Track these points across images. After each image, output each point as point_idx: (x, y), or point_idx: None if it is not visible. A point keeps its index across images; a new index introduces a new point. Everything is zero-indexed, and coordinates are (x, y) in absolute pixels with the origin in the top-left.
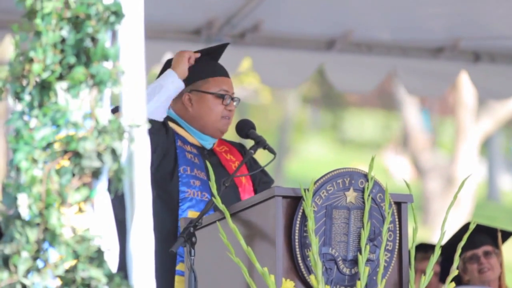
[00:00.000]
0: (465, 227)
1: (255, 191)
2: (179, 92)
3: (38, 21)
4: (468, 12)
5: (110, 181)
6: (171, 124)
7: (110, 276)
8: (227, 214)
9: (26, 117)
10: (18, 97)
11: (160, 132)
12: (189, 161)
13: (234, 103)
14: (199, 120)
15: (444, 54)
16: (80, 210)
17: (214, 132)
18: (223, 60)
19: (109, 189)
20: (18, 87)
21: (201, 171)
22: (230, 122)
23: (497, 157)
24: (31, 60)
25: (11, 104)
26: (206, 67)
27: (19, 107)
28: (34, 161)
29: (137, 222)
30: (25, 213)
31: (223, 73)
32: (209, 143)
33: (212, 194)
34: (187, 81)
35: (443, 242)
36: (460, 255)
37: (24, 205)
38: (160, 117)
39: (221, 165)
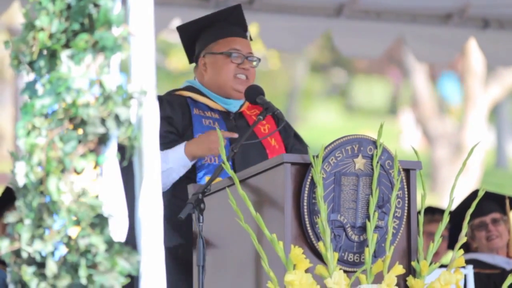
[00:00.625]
0: (474, 194)
1: None
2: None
3: None
4: None
5: (122, 148)
6: (190, 94)
7: (109, 243)
8: (236, 181)
9: (37, 86)
10: (30, 66)
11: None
12: (206, 128)
13: (254, 63)
14: (214, 82)
15: (453, 21)
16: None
17: (230, 92)
18: None
19: (122, 156)
20: (29, 57)
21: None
22: (248, 82)
23: (505, 125)
24: (38, 29)
25: (24, 74)
26: (218, 29)
27: (31, 76)
28: (36, 128)
29: (145, 189)
30: (21, 181)
31: (234, 33)
32: (234, 106)
33: (233, 165)
34: (202, 46)
35: (452, 208)
36: (468, 222)
37: (21, 173)
38: (164, 188)
39: (251, 131)
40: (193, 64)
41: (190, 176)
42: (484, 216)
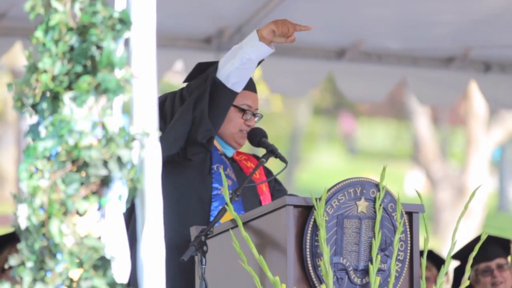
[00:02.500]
0: (478, 238)
1: (272, 200)
2: (263, 57)
3: (38, 34)
4: (477, 21)
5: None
6: None
7: (112, 285)
8: (240, 223)
9: (40, 128)
10: (33, 108)
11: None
12: (222, 160)
13: (256, 119)
14: (220, 128)
15: (454, 64)
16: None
17: (231, 143)
18: None
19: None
20: (31, 99)
21: (232, 171)
22: (246, 135)
23: (508, 168)
24: (41, 71)
25: (27, 116)
26: None
27: (34, 118)
28: (38, 171)
29: (148, 231)
30: (23, 224)
31: (250, 87)
32: (230, 151)
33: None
34: None
35: (455, 251)
36: (472, 266)
37: (23, 215)
38: (236, 85)
39: (243, 172)
40: None
41: (203, 207)
42: (490, 261)
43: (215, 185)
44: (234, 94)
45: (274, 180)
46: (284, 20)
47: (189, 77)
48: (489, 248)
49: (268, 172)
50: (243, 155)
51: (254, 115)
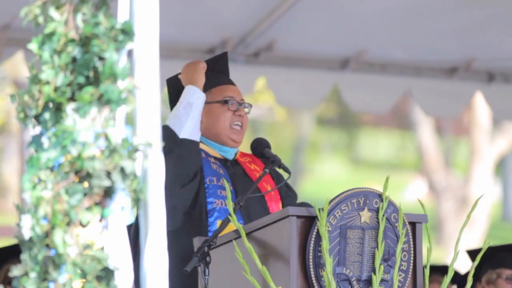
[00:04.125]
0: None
1: (282, 204)
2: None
3: (32, 46)
4: (481, 32)
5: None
6: None
7: None
8: (243, 233)
9: (43, 139)
10: (36, 119)
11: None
12: (215, 171)
13: (246, 109)
14: (211, 130)
15: (458, 74)
16: (93, 228)
17: (226, 141)
18: (237, 79)
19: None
20: (34, 110)
21: (226, 181)
22: (242, 131)
23: None
24: (44, 82)
25: (30, 127)
26: (208, 79)
27: (37, 129)
28: (41, 181)
29: (151, 241)
30: (27, 234)
31: (225, 81)
32: (230, 153)
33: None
34: None
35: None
36: (495, 269)
37: (27, 226)
38: (197, 137)
39: (246, 175)
40: None
41: (201, 221)
42: None
43: (209, 199)
44: (197, 143)
45: (284, 185)
46: (197, 66)
47: (170, 100)
48: None
49: (277, 177)
50: (248, 156)
51: (241, 105)
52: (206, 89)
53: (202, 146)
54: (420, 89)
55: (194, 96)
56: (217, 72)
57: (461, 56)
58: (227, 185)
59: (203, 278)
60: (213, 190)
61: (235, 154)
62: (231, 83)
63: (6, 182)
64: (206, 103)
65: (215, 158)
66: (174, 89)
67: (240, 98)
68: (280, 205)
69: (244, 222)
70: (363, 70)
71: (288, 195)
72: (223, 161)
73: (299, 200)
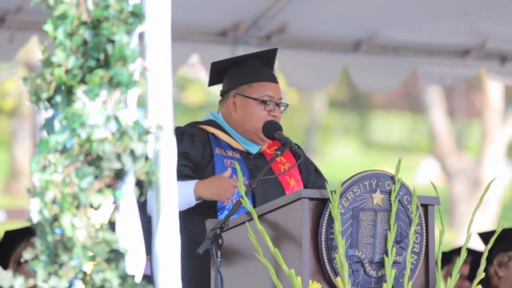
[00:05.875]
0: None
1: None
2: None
3: (48, 27)
4: (494, 14)
5: (140, 183)
6: (213, 130)
7: (123, 278)
8: (255, 216)
9: (55, 122)
10: (48, 102)
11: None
12: (227, 168)
13: (281, 109)
14: (241, 125)
15: (471, 56)
16: (104, 211)
17: (255, 139)
18: None
19: (140, 191)
20: (46, 93)
21: (243, 176)
22: None
23: None
24: (56, 65)
25: (43, 110)
26: (252, 71)
27: (49, 112)
28: (51, 164)
29: (163, 224)
30: (35, 218)
31: (269, 78)
32: (254, 148)
33: (253, 201)
34: (234, 84)
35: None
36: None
37: (36, 210)
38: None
39: (269, 168)
40: (212, 98)
41: (211, 217)
42: None
43: None
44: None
45: (314, 172)
46: (223, 183)
47: (211, 80)
48: None
49: (310, 164)
50: (277, 146)
51: (277, 105)
52: (246, 81)
53: (225, 136)
54: (431, 71)
55: (182, 199)
56: (261, 66)
57: (474, 38)
58: (240, 177)
59: (215, 260)
60: None
61: (260, 148)
62: (273, 80)
63: (18, 165)
64: (244, 96)
65: (236, 150)
66: (216, 71)
67: (278, 97)
68: None
69: (255, 207)
70: (374, 53)
71: (317, 185)
72: (245, 154)
73: None
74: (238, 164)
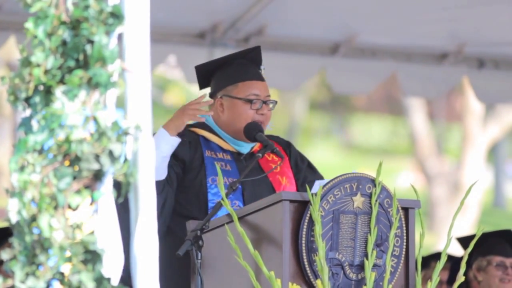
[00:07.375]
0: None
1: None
2: (175, 147)
3: (29, 24)
4: (471, 18)
5: (118, 184)
6: (203, 133)
7: (99, 280)
8: (235, 217)
9: (32, 122)
10: (26, 102)
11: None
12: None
13: (270, 105)
14: (230, 126)
15: (448, 60)
16: (82, 212)
17: (244, 139)
18: None
19: (118, 192)
20: (25, 93)
21: (233, 178)
22: (263, 127)
23: (503, 164)
24: (34, 65)
25: (20, 110)
26: (237, 71)
27: (28, 112)
28: (29, 164)
29: (141, 225)
30: (14, 218)
31: (254, 76)
32: (245, 148)
33: (243, 202)
34: (220, 86)
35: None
36: (485, 256)
37: (14, 210)
38: (161, 177)
39: (260, 167)
40: (193, 99)
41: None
42: (506, 258)
43: (211, 199)
44: (162, 182)
45: (307, 167)
46: (185, 108)
47: (200, 84)
48: (508, 244)
49: (301, 161)
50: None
51: (265, 103)
52: (232, 82)
53: (215, 138)
54: (409, 74)
55: (160, 142)
56: (246, 65)
57: (452, 42)
58: (219, 170)
59: (195, 261)
60: (216, 190)
61: (251, 147)
62: (259, 78)
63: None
64: (230, 97)
65: (227, 152)
66: (201, 74)
67: (265, 95)
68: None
69: (244, 205)
70: (352, 56)
71: (308, 180)
72: (236, 155)
73: None
74: (229, 165)
